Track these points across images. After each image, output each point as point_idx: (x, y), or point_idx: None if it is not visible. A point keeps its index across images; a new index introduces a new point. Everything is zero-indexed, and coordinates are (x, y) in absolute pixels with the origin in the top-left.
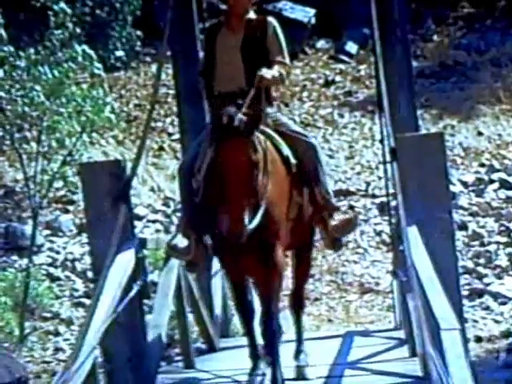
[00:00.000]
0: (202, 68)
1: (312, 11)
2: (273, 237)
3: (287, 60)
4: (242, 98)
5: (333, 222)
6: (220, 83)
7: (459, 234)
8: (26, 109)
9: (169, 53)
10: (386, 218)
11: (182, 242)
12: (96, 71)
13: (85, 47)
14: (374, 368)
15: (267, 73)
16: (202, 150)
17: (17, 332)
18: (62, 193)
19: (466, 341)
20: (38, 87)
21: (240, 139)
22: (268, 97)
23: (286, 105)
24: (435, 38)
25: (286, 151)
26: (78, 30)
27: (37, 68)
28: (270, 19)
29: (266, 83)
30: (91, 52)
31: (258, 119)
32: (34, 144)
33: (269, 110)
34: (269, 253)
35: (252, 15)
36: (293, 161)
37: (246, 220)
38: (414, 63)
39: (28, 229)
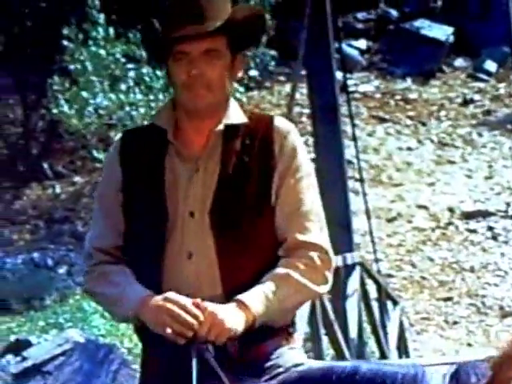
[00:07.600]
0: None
1: (450, 29)
2: None
3: (323, 234)
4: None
5: None
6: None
7: None
8: None
9: (303, 72)
10: None
11: None
12: (237, 93)
13: None
14: None
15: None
16: None
17: None
18: None
19: None
20: None
21: None
22: None
23: (423, 124)
24: None
25: None
26: None
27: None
28: (280, 123)
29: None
30: None
31: None
32: None
33: None
34: None
35: (235, 113)
36: None
37: None
38: None
39: None
